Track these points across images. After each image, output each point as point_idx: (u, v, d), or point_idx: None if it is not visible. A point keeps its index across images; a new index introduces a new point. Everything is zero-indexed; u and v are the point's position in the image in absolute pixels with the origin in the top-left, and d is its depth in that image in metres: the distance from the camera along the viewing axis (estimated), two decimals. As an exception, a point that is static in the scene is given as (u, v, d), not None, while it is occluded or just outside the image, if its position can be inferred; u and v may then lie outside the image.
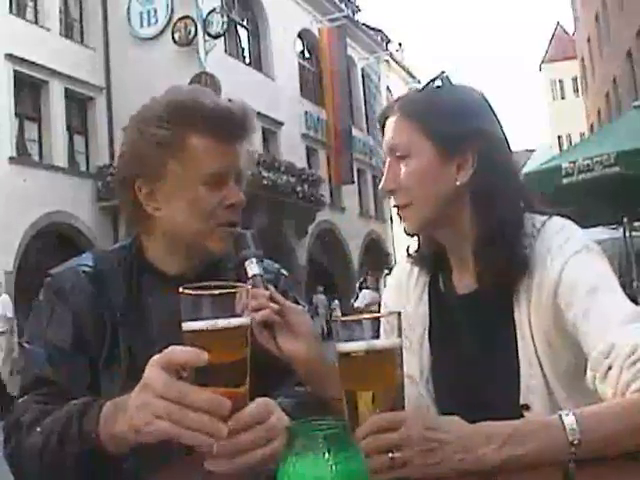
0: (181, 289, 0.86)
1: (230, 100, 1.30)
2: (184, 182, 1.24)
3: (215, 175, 1.24)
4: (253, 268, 1.16)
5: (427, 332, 1.33)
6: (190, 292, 0.85)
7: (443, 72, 1.28)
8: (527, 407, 1.16)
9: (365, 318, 0.92)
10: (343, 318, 0.93)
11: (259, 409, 0.91)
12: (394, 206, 1.28)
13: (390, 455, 0.86)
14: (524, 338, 1.18)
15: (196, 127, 1.23)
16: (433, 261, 1.35)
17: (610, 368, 1.00)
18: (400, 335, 0.92)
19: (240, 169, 1.29)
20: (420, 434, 0.87)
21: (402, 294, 1.39)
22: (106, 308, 1.26)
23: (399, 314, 0.93)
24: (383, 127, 1.30)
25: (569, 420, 0.90)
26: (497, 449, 0.89)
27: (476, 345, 1.24)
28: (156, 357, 0.87)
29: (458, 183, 1.23)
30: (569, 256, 1.15)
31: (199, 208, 1.25)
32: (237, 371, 0.87)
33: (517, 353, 1.18)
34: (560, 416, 0.91)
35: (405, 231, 1.30)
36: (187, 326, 0.85)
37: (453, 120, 1.22)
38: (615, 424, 0.92)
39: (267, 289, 1.14)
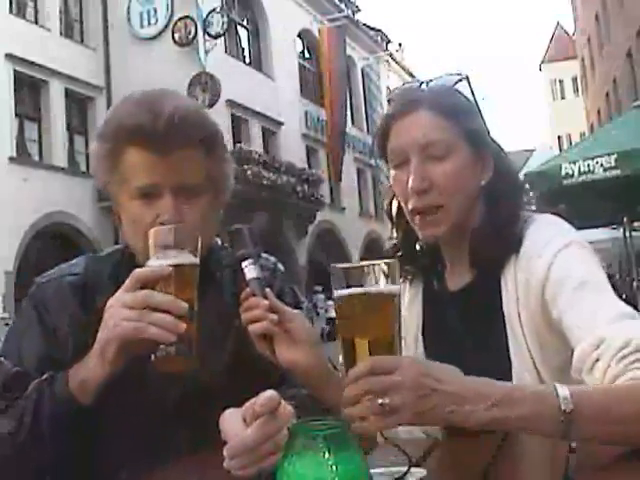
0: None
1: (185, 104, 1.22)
2: (123, 198, 1.21)
3: (144, 189, 1.18)
4: (251, 271, 1.10)
5: (421, 330, 1.34)
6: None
7: (461, 73, 1.28)
8: None
9: (364, 265, 0.91)
10: (342, 265, 0.91)
11: (256, 435, 0.93)
12: (419, 208, 1.21)
13: (380, 401, 0.83)
14: (514, 333, 1.19)
15: (127, 141, 1.19)
16: (427, 259, 1.35)
17: (598, 360, 1.00)
18: (396, 283, 0.91)
19: (180, 182, 1.19)
20: (414, 379, 0.84)
21: None
22: (91, 316, 1.17)
23: (397, 262, 0.93)
24: (387, 126, 1.25)
25: (563, 390, 0.88)
26: (486, 409, 0.86)
27: (468, 340, 1.24)
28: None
29: (483, 183, 1.23)
30: (557, 251, 1.14)
31: (136, 224, 1.19)
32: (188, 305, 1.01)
33: (508, 348, 1.19)
34: (554, 386, 0.89)
35: (425, 238, 1.25)
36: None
37: (478, 120, 1.23)
38: (606, 397, 0.91)
39: (265, 295, 1.09)
